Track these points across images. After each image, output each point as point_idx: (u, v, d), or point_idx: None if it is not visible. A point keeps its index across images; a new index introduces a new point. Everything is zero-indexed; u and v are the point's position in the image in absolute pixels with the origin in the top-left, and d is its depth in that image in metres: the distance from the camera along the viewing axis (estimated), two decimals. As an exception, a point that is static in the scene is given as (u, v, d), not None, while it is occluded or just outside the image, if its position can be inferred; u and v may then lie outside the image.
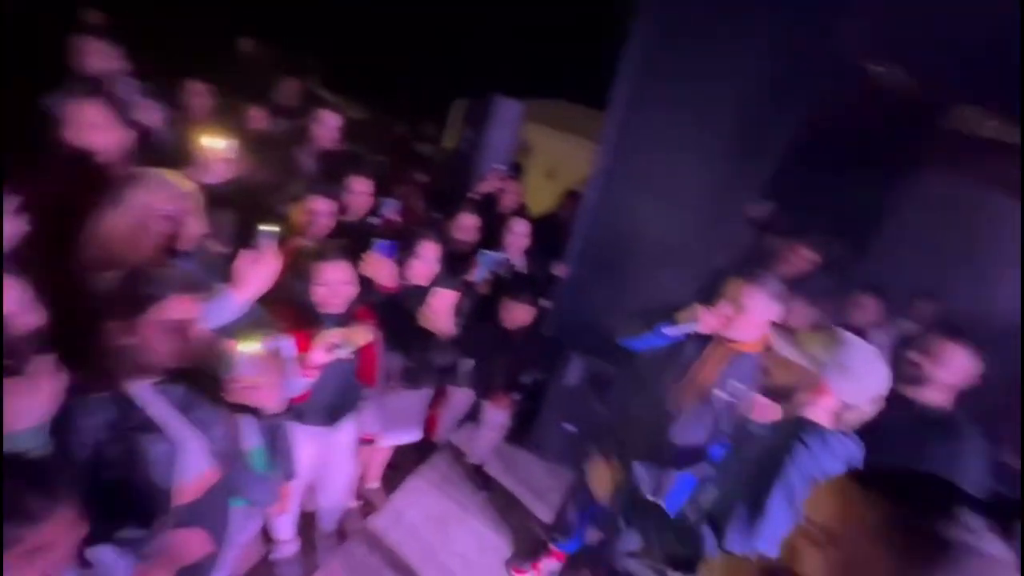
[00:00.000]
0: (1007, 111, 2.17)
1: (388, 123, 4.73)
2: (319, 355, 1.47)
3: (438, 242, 2.03)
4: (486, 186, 3.00)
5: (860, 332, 2.70)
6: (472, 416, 3.07)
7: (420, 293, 2.05)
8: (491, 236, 2.72)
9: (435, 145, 5.24)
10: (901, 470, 0.73)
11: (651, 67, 2.50)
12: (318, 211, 1.96)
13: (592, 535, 2.33)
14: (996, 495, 0.52)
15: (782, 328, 1.31)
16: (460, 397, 2.68)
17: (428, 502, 2.61)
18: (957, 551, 0.56)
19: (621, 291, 2.82)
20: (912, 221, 4.28)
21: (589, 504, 2.24)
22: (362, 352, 1.73)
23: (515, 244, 2.70)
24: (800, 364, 1.24)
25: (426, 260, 1.99)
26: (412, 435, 2.31)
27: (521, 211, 3.00)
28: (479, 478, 2.79)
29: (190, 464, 1.22)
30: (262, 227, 1.34)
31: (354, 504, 2.41)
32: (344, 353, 1.50)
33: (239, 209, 1.70)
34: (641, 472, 1.96)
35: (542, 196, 4.17)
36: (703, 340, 1.75)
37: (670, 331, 1.69)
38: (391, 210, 2.48)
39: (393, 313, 2.00)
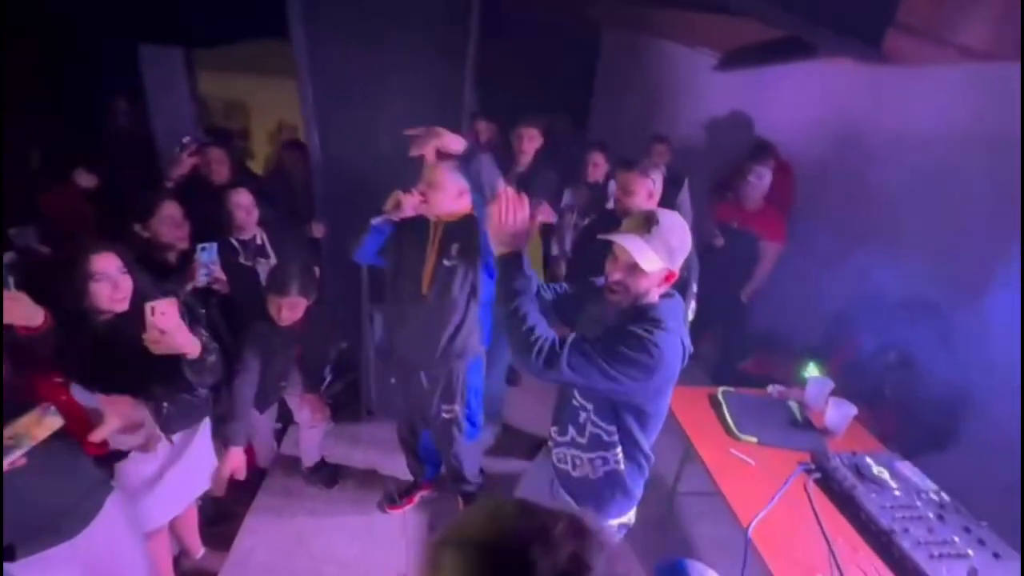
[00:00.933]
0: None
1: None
2: None
3: (117, 252, 1.54)
4: (181, 167, 2.40)
5: (600, 187, 3.10)
6: (288, 418, 2.74)
7: (130, 319, 1.58)
8: (213, 222, 2.24)
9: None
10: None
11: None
12: None
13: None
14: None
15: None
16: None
17: (274, 531, 2.30)
18: None
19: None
20: (611, 79, 4.94)
21: (421, 434, 2.30)
22: (70, 426, 1.28)
23: (244, 220, 2.26)
24: (655, 265, 1.19)
25: (108, 278, 1.51)
26: (205, 484, 1.92)
27: (239, 181, 2.50)
28: (323, 476, 2.54)
29: None
30: None
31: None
32: (16, 458, 1.04)
33: None
34: (425, 379, 2.02)
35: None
36: (420, 231, 1.88)
37: (379, 221, 1.83)
38: (27, 238, 1.80)
39: (107, 357, 1.52)
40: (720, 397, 2.01)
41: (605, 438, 1.34)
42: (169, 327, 1.48)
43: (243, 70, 4.64)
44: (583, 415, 1.37)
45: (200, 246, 1.97)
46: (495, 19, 2.56)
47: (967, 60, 2.23)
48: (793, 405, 2.02)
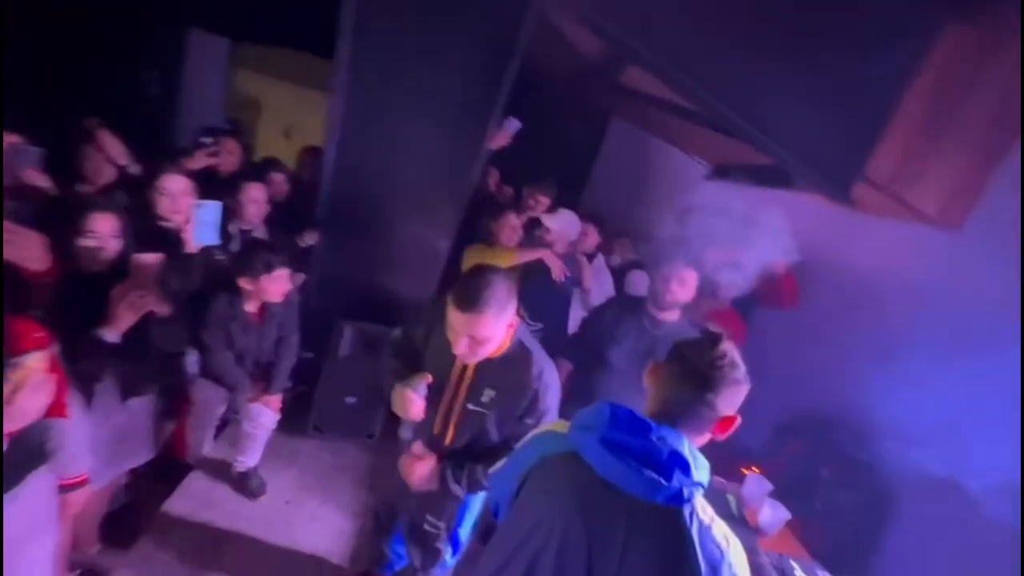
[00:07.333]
0: (661, 72, 2.65)
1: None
2: None
3: (116, 215, 1.55)
4: (195, 163, 2.43)
5: (588, 257, 3.27)
6: (227, 420, 2.63)
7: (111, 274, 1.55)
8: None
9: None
10: None
11: (371, 12, 2.37)
12: None
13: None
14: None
15: None
16: (208, 397, 2.23)
17: (183, 536, 2.13)
18: None
19: (379, 248, 2.74)
20: (610, 161, 5.33)
21: (397, 523, 1.93)
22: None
23: (252, 213, 2.30)
24: None
25: (98, 237, 1.51)
26: (138, 458, 1.82)
27: (251, 174, 2.55)
28: (252, 484, 2.40)
29: None
30: None
31: (69, 579, 1.80)
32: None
33: None
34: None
35: (281, 157, 3.69)
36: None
37: None
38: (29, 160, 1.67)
39: (75, 307, 1.49)
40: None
41: None
42: (147, 281, 1.49)
43: (271, 74, 4.80)
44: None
45: (197, 203, 1.87)
46: (523, 87, 2.79)
47: (917, 221, 2.56)
48: (731, 499, 2.09)
